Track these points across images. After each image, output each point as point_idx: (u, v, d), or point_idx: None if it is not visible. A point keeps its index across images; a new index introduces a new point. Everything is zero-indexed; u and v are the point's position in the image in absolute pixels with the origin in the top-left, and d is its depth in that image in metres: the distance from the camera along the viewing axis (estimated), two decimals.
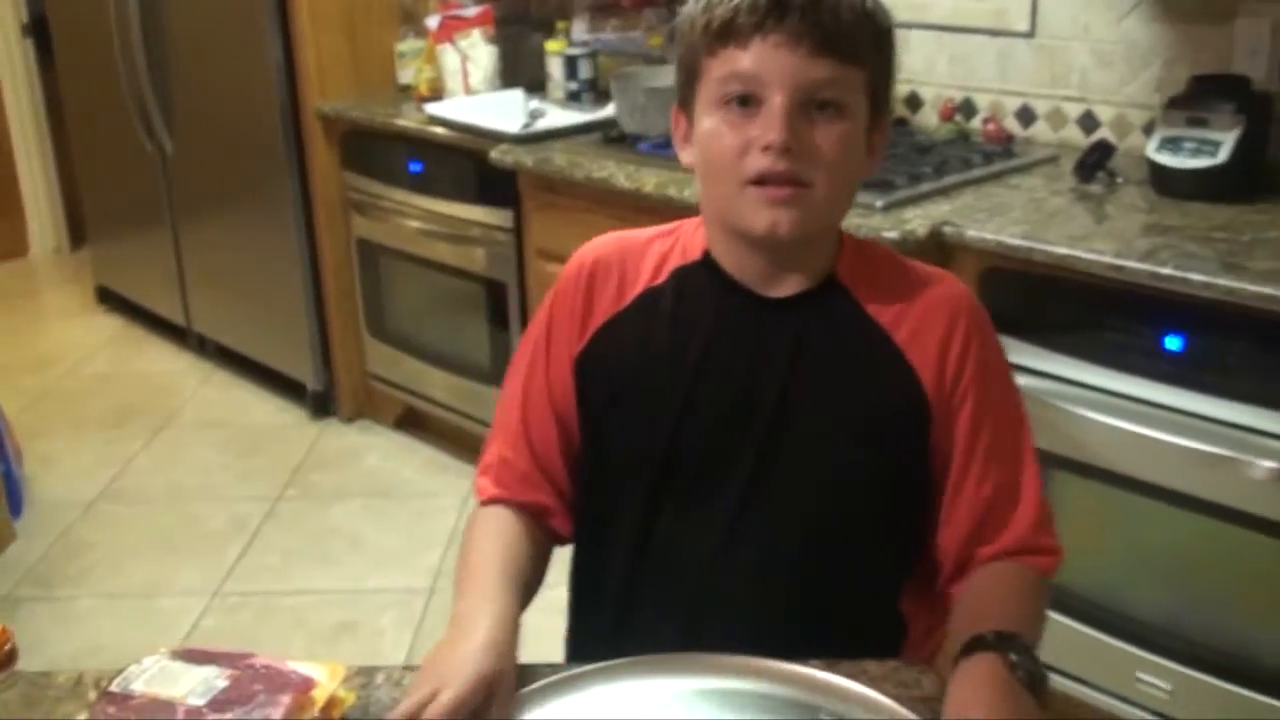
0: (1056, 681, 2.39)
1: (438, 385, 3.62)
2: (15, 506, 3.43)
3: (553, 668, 1.20)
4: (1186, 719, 2.23)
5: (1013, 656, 1.12)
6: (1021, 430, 1.35)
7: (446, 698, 1.09)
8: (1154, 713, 2.27)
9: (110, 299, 4.95)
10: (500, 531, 1.34)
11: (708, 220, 1.35)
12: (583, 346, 1.36)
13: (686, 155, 1.33)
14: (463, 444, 3.63)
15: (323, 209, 3.78)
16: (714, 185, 1.28)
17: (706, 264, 1.34)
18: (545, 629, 1.40)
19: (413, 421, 3.83)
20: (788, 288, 1.32)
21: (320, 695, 1.11)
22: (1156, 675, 2.24)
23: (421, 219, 3.48)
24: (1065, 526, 2.31)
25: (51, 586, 3.17)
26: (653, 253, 1.37)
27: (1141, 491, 2.19)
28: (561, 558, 1.44)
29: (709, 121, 1.26)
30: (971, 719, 1.07)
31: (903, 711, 1.13)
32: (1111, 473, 2.22)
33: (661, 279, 1.36)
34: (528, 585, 1.31)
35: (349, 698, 1.15)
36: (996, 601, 1.25)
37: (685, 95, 1.30)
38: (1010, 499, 1.31)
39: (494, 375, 3.29)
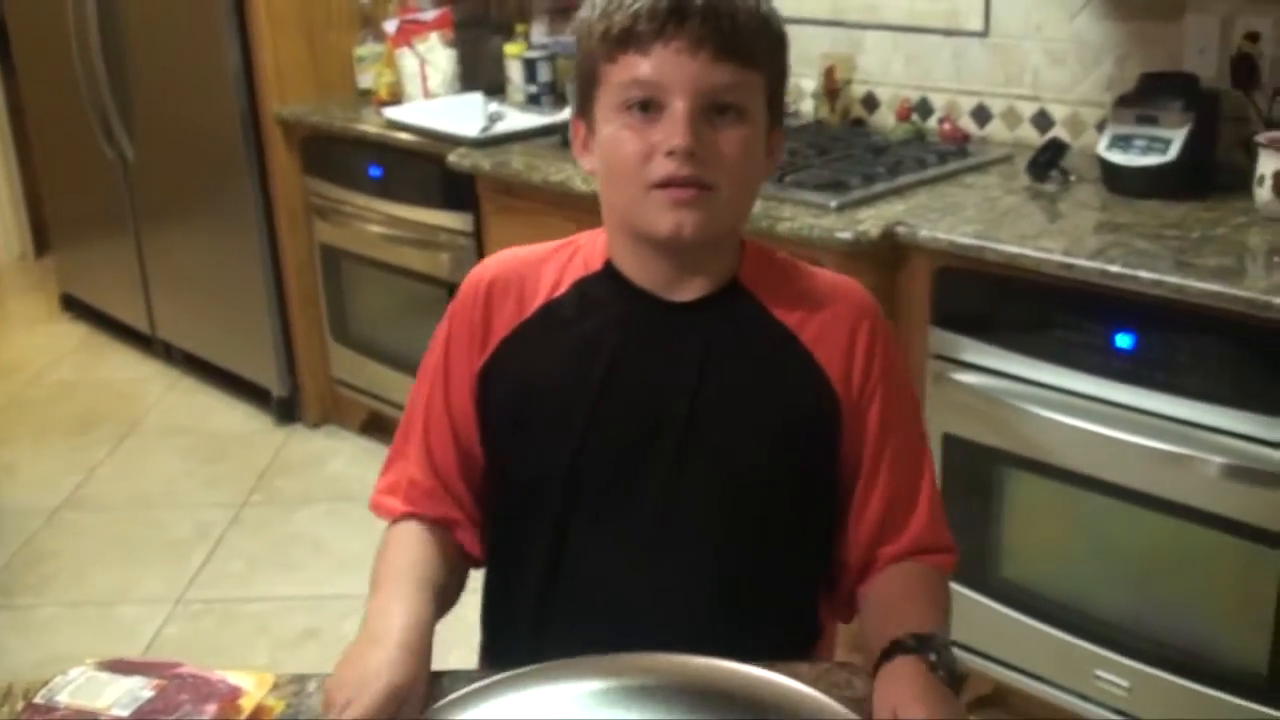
0: (1016, 680, 2.40)
1: (403, 390, 3.59)
2: None
3: (469, 674, 1.20)
4: (1145, 717, 2.24)
5: (932, 656, 1.14)
6: (921, 430, 1.38)
7: (355, 713, 1.09)
8: (1113, 710, 2.28)
9: (75, 306, 4.93)
10: (413, 543, 1.33)
11: (610, 227, 1.34)
12: (483, 363, 1.35)
13: (587, 162, 1.32)
14: None
15: (284, 214, 3.76)
16: (617, 191, 1.28)
17: (608, 273, 1.34)
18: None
19: (378, 426, 3.82)
20: (691, 292, 1.31)
21: (247, 704, 1.10)
22: (1115, 673, 2.25)
23: (383, 224, 3.47)
24: (1022, 525, 2.36)
25: (12, 595, 3.16)
26: (550, 267, 1.36)
27: (1097, 489, 2.20)
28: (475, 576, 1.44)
29: (610, 128, 1.26)
30: (905, 717, 1.09)
31: (829, 702, 1.14)
32: (1066, 470, 2.23)
33: (561, 291, 1.35)
34: (442, 593, 1.30)
35: (277, 706, 1.14)
36: (909, 602, 1.26)
37: (584, 102, 1.30)
38: (910, 498, 1.33)
39: None
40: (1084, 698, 2.31)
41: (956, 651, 1.18)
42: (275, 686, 1.15)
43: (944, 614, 1.27)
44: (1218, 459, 2.03)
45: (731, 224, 1.31)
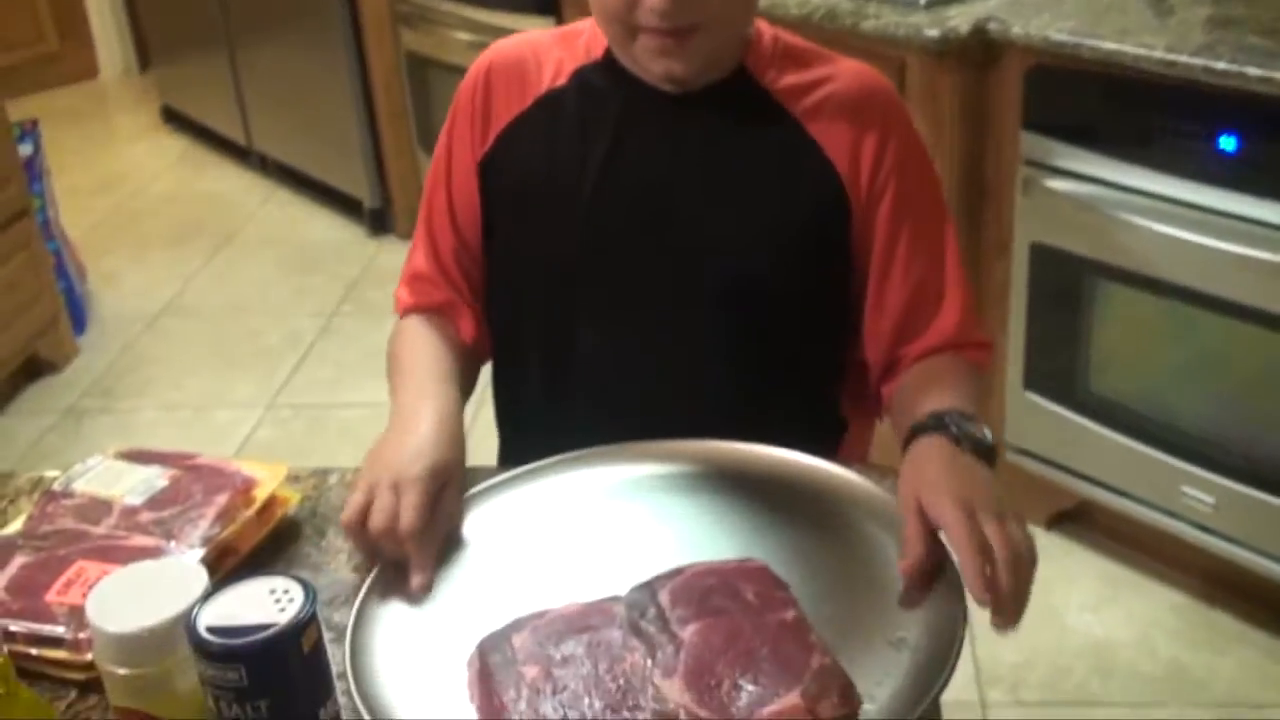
0: (1100, 496, 2.35)
1: None
2: (79, 322, 3.51)
3: (493, 470, 1.18)
4: (1230, 533, 2.18)
5: (954, 430, 1.08)
6: (944, 224, 1.30)
7: (412, 499, 1.05)
8: (1198, 526, 2.23)
9: (175, 119, 4.96)
10: (425, 335, 1.32)
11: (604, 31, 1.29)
12: (485, 151, 1.32)
13: None
14: None
15: (371, 24, 3.70)
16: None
17: (608, 62, 1.29)
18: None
19: None
20: (694, 81, 1.25)
21: (260, 494, 1.10)
22: (1201, 489, 2.18)
23: (470, 30, 3.39)
24: (1112, 339, 2.27)
25: (114, 398, 3.25)
26: (553, 56, 1.31)
27: (1193, 301, 2.10)
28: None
29: None
30: (928, 502, 1.02)
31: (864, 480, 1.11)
32: (1161, 282, 2.13)
33: (562, 80, 1.30)
34: (460, 383, 1.28)
35: (293, 497, 1.14)
36: (931, 389, 1.20)
37: None
38: (935, 294, 1.27)
39: None
40: (1169, 513, 2.26)
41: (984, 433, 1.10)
42: (296, 479, 1.15)
43: (971, 399, 1.18)
44: None
45: (728, 46, 1.25)
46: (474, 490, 1.14)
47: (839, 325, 1.31)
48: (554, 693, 0.88)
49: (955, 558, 0.96)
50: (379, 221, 3.99)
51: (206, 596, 0.75)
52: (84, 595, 0.99)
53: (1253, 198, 1.98)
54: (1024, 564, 0.95)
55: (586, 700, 0.88)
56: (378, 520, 1.04)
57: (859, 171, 1.24)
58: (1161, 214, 2.09)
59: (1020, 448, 2.45)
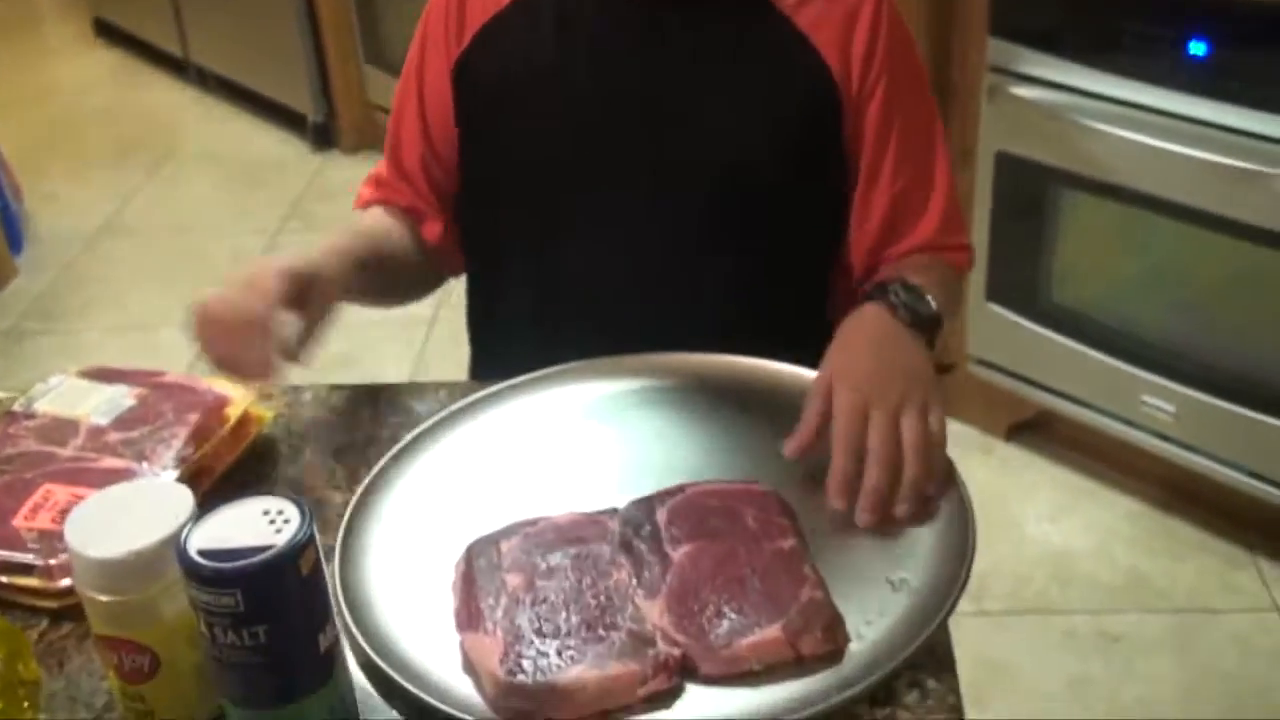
0: (1060, 406, 2.35)
1: None
2: (15, 242, 3.40)
3: (464, 385, 1.14)
4: (1188, 440, 2.20)
5: (893, 298, 1.06)
6: (934, 125, 1.27)
7: (265, 286, 1.03)
8: (1158, 435, 2.23)
9: (108, 32, 4.79)
10: (373, 217, 1.30)
11: None
12: (461, 52, 1.26)
13: None
14: None
15: None
16: None
17: None
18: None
19: None
20: None
21: (233, 413, 1.06)
22: (1162, 398, 2.19)
23: None
24: (1076, 248, 2.26)
25: (55, 320, 3.17)
26: None
27: (1158, 209, 2.09)
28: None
29: None
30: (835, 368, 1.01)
31: None
32: (1127, 190, 2.11)
33: None
34: (390, 263, 1.26)
35: (266, 416, 1.09)
36: (895, 270, 1.18)
37: None
38: (920, 198, 1.25)
39: None
40: (1129, 423, 2.26)
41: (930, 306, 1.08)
42: (267, 396, 1.10)
43: (937, 287, 1.15)
44: None
45: None
46: (470, 399, 1.10)
47: (833, 225, 1.27)
48: (533, 604, 0.86)
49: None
50: (323, 136, 3.89)
51: (193, 519, 0.71)
52: (54, 520, 0.95)
53: (1222, 104, 1.96)
54: (920, 461, 0.94)
55: (564, 614, 0.85)
56: (216, 308, 1.02)
57: (850, 67, 1.20)
58: (1130, 121, 2.07)
59: (981, 359, 2.45)
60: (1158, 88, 2.02)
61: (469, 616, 0.86)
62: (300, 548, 0.68)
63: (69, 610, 0.91)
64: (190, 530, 0.70)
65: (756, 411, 1.07)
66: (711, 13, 1.21)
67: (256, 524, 0.70)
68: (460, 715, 0.80)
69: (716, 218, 1.22)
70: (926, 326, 1.07)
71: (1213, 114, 1.97)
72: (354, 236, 1.23)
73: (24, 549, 0.93)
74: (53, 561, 0.91)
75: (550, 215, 1.26)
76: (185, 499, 0.75)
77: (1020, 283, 2.34)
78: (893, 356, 1.03)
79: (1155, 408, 2.20)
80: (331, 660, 0.72)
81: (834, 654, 0.83)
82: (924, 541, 0.93)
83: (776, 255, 1.26)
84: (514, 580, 0.88)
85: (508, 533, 0.92)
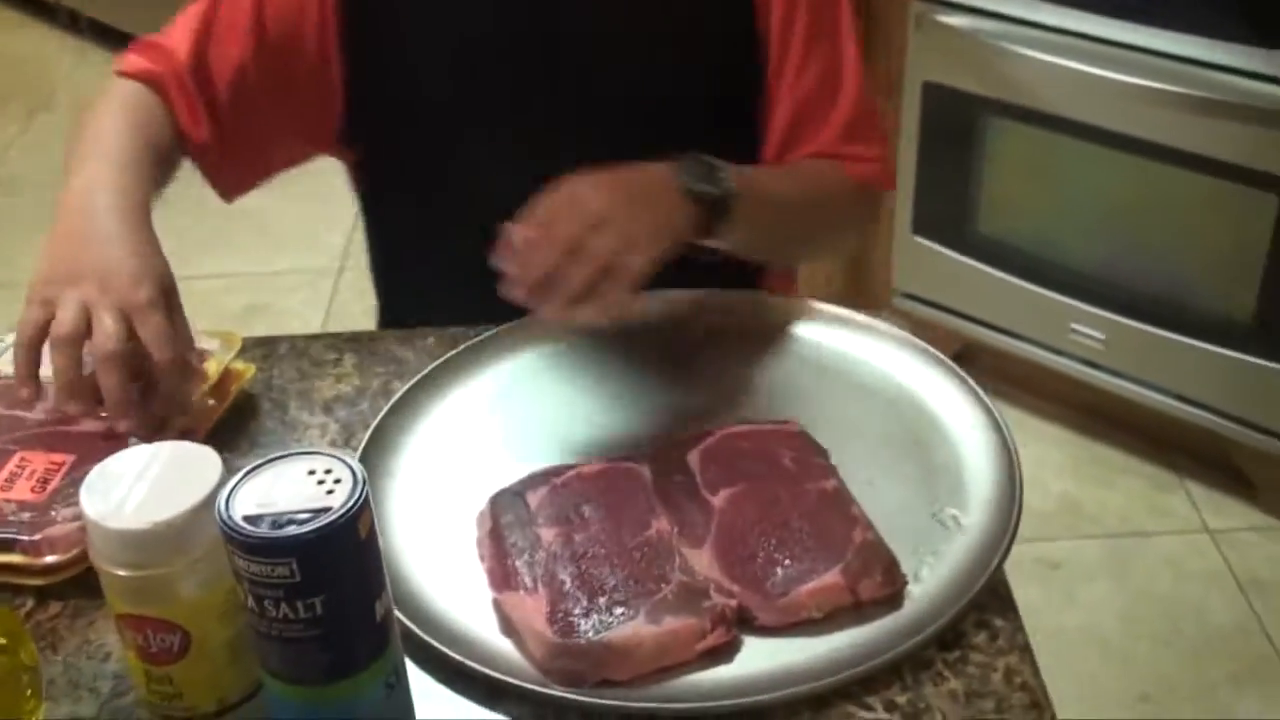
0: (988, 336, 2.35)
1: None
2: None
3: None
4: (1117, 367, 2.22)
5: (684, 161, 1.00)
6: (841, 30, 1.19)
7: (157, 325, 0.92)
8: (1087, 363, 2.25)
9: None
10: (144, 106, 1.12)
11: None
12: None
13: None
14: None
15: None
16: None
17: None
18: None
19: None
20: None
21: (214, 368, 0.98)
22: (1091, 325, 2.21)
23: None
24: (1003, 178, 2.25)
25: None
26: None
27: (1084, 135, 2.10)
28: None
29: None
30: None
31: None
32: (1053, 116, 2.11)
33: None
34: (166, 169, 1.12)
35: (247, 370, 1.02)
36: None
37: None
38: (826, 104, 1.18)
39: None
40: (1058, 352, 2.28)
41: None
42: (244, 349, 1.03)
43: (806, 188, 1.09)
44: (1214, 96, 1.91)
45: None
46: (463, 346, 1.05)
47: (753, 139, 1.20)
48: (573, 559, 0.81)
49: None
50: None
51: (225, 482, 0.65)
52: (34, 490, 0.87)
53: (1151, 28, 1.97)
54: (582, 261, 0.90)
55: (607, 569, 0.80)
56: (107, 345, 0.88)
57: None
58: (1058, 47, 2.06)
59: (908, 292, 2.44)
60: (1086, 13, 2.03)
61: (504, 575, 0.81)
62: (358, 511, 0.62)
63: (55, 588, 0.84)
64: (230, 495, 0.63)
65: (765, 345, 1.04)
66: None
67: (303, 485, 0.64)
68: (506, 678, 0.75)
69: (626, 137, 1.07)
70: (706, 203, 1.00)
71: (1141, 38, 1.98)
72: (149, 152, 1.09)
73: (3, 523, 0.85)
74: (38, 536, 0.83)
75: (447, 147, 1.17)
76: (213, 462, 0.69)
77: (947, 215, 2.33)
78: (631, 193, 0.97)
79: (1085, 335, 2.22)
80: (387, 630, 0.67)
81: (893, 597, 0.80)
82: (963, 476, 0.90)
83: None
84: (548, 535, 0.83)
85: (532, 484, 0.87)
